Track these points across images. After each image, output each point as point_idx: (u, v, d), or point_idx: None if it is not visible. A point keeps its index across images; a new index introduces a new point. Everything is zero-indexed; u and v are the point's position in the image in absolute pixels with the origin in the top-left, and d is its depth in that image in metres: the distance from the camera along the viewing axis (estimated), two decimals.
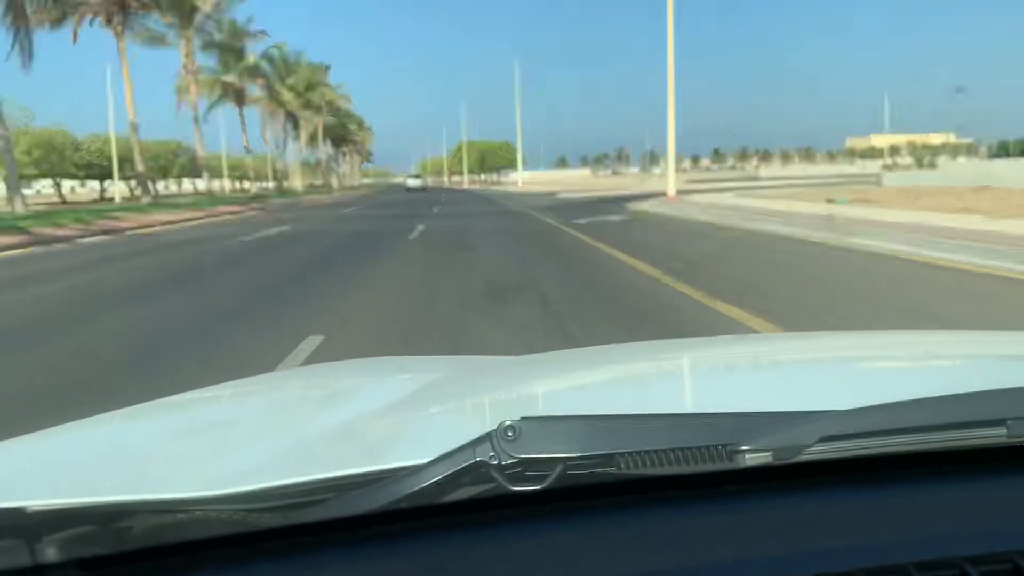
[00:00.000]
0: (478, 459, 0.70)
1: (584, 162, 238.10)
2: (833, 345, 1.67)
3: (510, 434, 0.71)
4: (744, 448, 0.75)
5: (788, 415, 0.80)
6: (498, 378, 1.39)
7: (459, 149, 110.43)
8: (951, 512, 0.79)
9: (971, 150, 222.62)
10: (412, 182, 72.76)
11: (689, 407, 1.10)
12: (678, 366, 1.47)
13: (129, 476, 0.87)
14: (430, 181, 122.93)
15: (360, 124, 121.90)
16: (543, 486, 0.72)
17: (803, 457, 0.77)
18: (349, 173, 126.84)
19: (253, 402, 1.35)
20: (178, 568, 0.69)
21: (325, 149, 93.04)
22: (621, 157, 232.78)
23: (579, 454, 0.73)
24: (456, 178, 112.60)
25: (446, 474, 0.70)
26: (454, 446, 0.72)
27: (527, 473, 0.72)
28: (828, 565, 0.68)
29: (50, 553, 0.65)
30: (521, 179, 73.34)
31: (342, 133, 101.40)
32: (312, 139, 75.50)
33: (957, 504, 0.80)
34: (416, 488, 0.70)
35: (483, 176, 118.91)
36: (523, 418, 0.73)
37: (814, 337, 2.09)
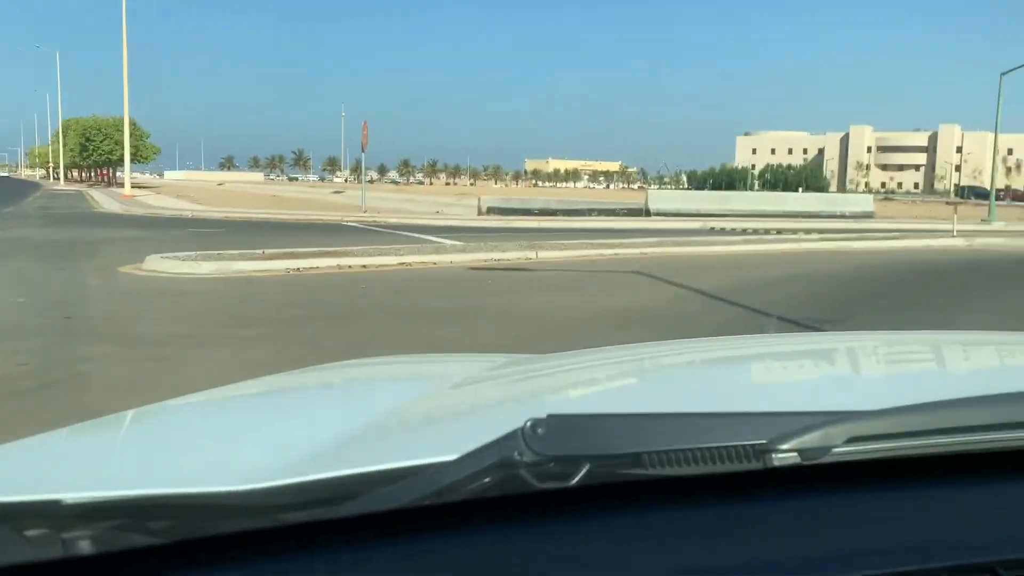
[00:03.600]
0: (505, 456, 0.69)
1: (256, 164, 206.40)
2: (860, 345, 1.67)
3: (538, 431, 0.70)
4: (772, 448, 0.73)
5: (816, 415, 0.78)
6: (525, 376, 1.39)
7: (58, 133, 73.89)
8: (983, 515, 0.77)
9: (646, 178, 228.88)
10: None
11: (716, 406, 1.07)
12: (705, 365, 1.49)
13: (161, 470, 0.89)
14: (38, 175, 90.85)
15: None
16: (570, 484, 0.71)
17: (831, 458, 0.75)
18: None
19: (280, 400, 1.36)
20: (208, 562, 0.69)
21: None
22: (300, 161, 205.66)
23: (606, 452, 0.72)
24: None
25: (473, 471, 0.70)
26: (481, 443, 0.71)
27: (554, 471, 0.70)
28: (857, 568, 0.67)
29: (83, 545, 0.65)
30: (130, 184, 39.74)
31: None
32: None
33: (990, 507, 0.78)
34: (443, 485, 0.70)
35: (83, 174, 79.97)
36: (550, 416, 0.72)
37: (841, 337, 2.12)
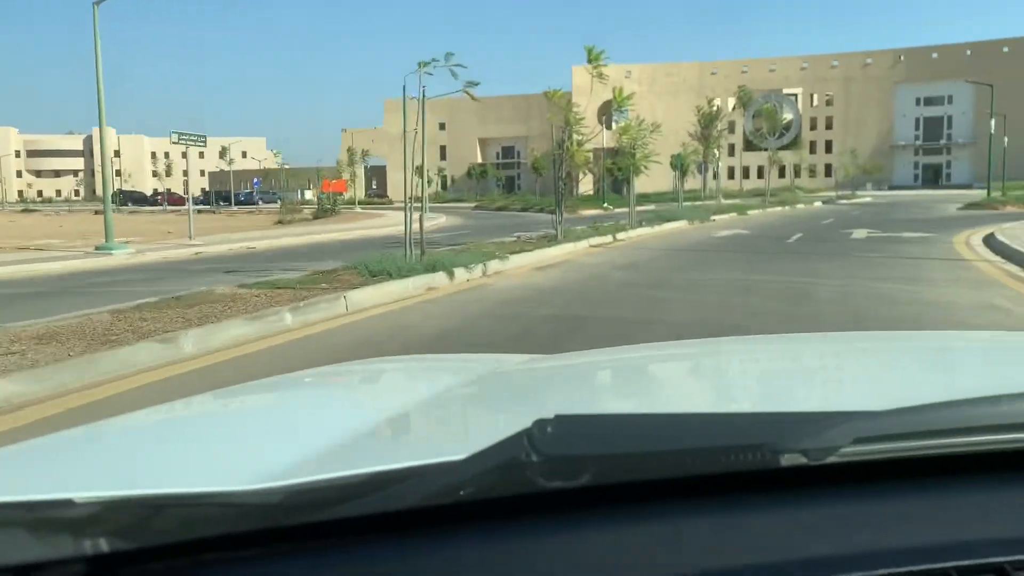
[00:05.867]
0: (512, 456, 0.70)
1: None
2: (865, 345, 1.67)
3: (546, 431, 0.71)
4: (777, 448, 0.74)
5: (822, 415, 0.79)
6: (532, 376, 1.40)
7: None
8: (992, 515, 0.76)
9: None
10: None
11: (723, 407, 1.10)
12: (712, 365, 1.50)
13: (171, 470, 0.90)
14: None
15: None
16: (577, 484, 0.71)
17: (837, 458, 0.76)
18: None
19: (289, 399, 1.37)
20: (217, 562, 0.69)
21: None
22: None
23: (613, 453, 0.73)
24: None
25: (480, 471, 0.70)
26: (488, 443, 0.72)
27: (561, 471, 0.71)
28: (865, 568, 0.67)
29: (94, 544, 0.66)
30: None
31: None
32: None
33: (998, 507, 0.78)
34: (450, 484, 0.70)
35: None
36: (557, 416, 0.73)
37: (846, 337, 2.15)
